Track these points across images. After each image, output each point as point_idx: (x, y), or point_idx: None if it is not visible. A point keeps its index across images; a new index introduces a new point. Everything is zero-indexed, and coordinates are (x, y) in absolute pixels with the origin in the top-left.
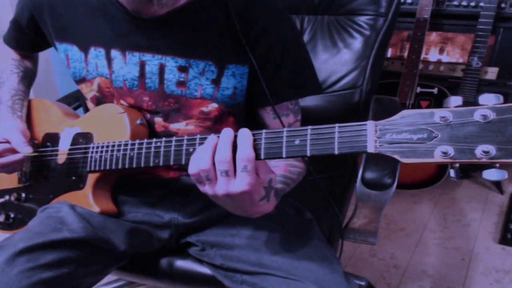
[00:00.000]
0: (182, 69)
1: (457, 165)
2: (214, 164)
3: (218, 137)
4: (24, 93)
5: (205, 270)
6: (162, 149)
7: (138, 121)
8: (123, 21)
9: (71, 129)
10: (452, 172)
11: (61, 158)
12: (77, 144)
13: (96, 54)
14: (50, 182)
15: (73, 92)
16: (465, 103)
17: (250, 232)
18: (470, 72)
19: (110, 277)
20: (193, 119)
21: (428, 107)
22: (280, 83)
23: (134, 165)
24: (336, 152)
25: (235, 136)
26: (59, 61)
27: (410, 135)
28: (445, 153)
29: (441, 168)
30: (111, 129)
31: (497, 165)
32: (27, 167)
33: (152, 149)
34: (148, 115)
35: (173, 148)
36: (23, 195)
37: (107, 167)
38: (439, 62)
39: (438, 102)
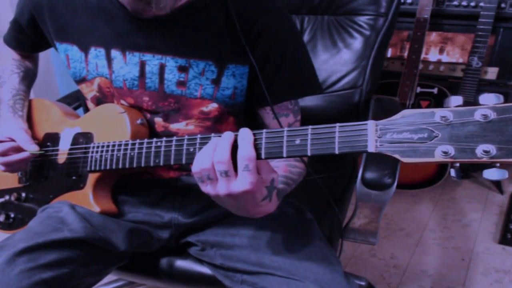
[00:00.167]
0: (182, 69)
1: (458, 164)
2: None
3: None
4: (25, 93)
5: (205, 270)
6: (162, 149)
7: (139, 121)
8: (123, 21)
9: (71, 129)
10: (452, 172)
11: (61, 158)
12: (78, 144)
13: (96, 54)
14: (50, 182)
15: (73, 92)
16: (465, 103)
17: (250, 232)
18: (470, 72)
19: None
20: (193, 119)
21: (428, 107)
22: (279, 83)
23: (135, 165)
24: (336, 151)
25: (236, 136)
26: (59, 61)
27: (411, 135)
28: (445, 153)
29: (441, 168)
30: (111, 129)
31: (498, 164)
32: (27, 167)
33: (153, 149)
34: (148, 115)
35: (173, 148)
36: (23, 195)
37: (108, 167)
38: (439, 62)
39: (438, 102)
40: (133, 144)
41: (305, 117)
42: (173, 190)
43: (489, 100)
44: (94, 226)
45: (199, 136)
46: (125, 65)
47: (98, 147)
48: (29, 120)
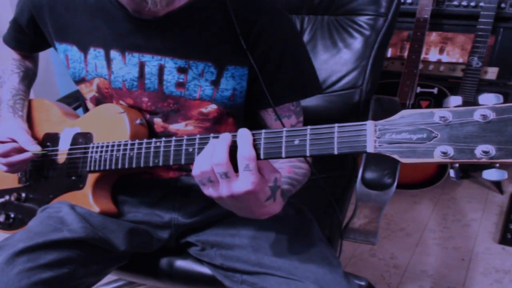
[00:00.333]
0: (181, 70)
1: (457, 165)
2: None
3: None
4: (25, 93)
5: (205, 270)
6: (161, 149)
7: (138, 121)
8: (123, 22)
9: (71, 129)
10: (452, 172)
11: (61, 158)
12: (77, 144)
13: (96, 54)
14: (50, 182)
15: (73, 92)
16: (465, 103)
17: (250, 232)
18: (470, 72)
19: (110, 277)
20: (192, 120)
21: (428, 107)
22: (280, 84)
23: (134, 165)
24: (335, 152)
25: (234, 137)
26: (59, 61)
27: (410, 135)
28: (444, 153)
29: (441, 168)
30: (111, 129)
31: (497, 165)
32: (27, 167)
33: (152, 149)
34: (148, 116)
35: (172, 148)
36: (23, 195)
37: (107, 167)
38: (439, 62)
39: (438, 102)
40: (132, 144)
41: (305, 117)
42: (173, 190)
43: (489, 100)
44: (94, 226)
45: (198, 136)
46: (125, 66)
47: (97, 147)
48: (29, 120)
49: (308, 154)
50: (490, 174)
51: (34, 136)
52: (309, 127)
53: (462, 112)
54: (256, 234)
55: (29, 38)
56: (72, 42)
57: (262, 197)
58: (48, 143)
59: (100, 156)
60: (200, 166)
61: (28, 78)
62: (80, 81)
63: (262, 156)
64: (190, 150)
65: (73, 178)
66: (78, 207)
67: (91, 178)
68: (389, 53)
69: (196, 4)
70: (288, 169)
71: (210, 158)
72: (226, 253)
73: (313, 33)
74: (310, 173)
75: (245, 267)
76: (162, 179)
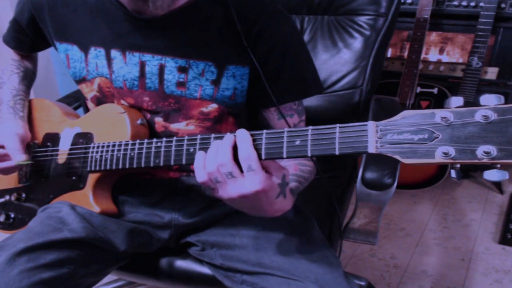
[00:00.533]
0: (182, 69)
1: (458, 165)
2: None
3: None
4: (25, 93)
5: (205, 270)
6: (162, 149)
7: (139, 121)
8: (123, 21)
9: (71, 129)
10: (453, 173)
11: (61, 158)
12: (78, 144)
13: (96, 54)
14: (51, 182)
15: (73, 92)
16: (465, 103)
17: (250, 232)
18: (470, 72)
19: (110, 277)
20: (193, 119)
21: (428, 107)
22: (282, 83)
23: (135, 165)
24: (337, 152)
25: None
26: (59, 61)
27: (411, 136)
28: (446, 154)
29: (441, 168)
30: (111, 129)
31: (498, 165)
32: (27, 167)
33: (153, 149)
34: (148, 115)
35: (173, 148)
36: (24, 195)
37: (108, 167)
38: (439, 62)
39: (438, 102)
40: (133, 144)
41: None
42: (173, 190)
43: (490, 101)
44: (94, 226)
45: (199, 136)
46: (125, 65)
47: (98, 147)
48: (29, 120)
49: (309, 154)
50: (491, 175)
51: (34, 136)
52: (310, 127)
53: (464, 112)
54: (256, 234)
55: (29, 38)
56: (73, 42)
57: (272, 194)
58: (49, 143)
59: (101, 156)
60: (207, 168)
61: (28, 78)
62: (81, 80)
63: (263, 156)
64: (191, 150)
65: (74, 178)
66: (79, 207)
67: (91, 178)
68: (389, 53)
69: (197, 4)
70: (294, 167)
71: (215, 159)
72: (226, 253)
73: (313, 33)
74: (315, 170)
75: (245, 267)
76: (163, 179)
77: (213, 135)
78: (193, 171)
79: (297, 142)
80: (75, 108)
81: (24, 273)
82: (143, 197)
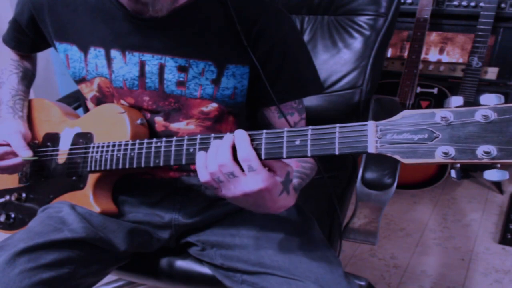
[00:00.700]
0: (182, 69)
1: (458, 165)
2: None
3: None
4: (25, 93)
5: (205, 270)
6: (162, 149)
7: (139, 121)
8: (123, 21)
9: (71, 129)
10: (453, 172)
11: (61, 158)
12: (77, 144)
13: (96, 54)
14: (51, 182)
15: (73, 92)
16: (465, 103)
17: (250, 232)
18: (470, 72)
19: (110, 277)
20: (193, 118)
21: (428, 107)
22: (282, 82)
23: (135, 165)
24: (337, 152)
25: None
26: (59, 61)
27: (411, 136)
28: (446, 154)
29: (441, 168)
30: (111, 129)
31: (498, 165)
32: (28, 167)
33: (153, 149)
34: (149, 115)
35: (173, 148)
36: (24, 195)
37: (108, 167)
38: (439, 62)
39: (438, 102)
40: (133, 144)
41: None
42: (173, 190)
43: (490, 100)
44: (94, 226)
45: (199, 136)
46: (125, 65)
47: (98, 147)
48: (29, 120)
49: (309, 154)
50: (491, 175)
51: (34, 136)
52: (310, 127)
53: (464, 112)
54: (256, 234)
55: (28, 38)
56: (72, 42)
57: (275, 192)
58: (49, 143)
59: (101, 156)
60: (208, 168)
61: (27, 78)
62: (80, 80)
63: (263, 157)
64: (191, 150)
65: (74, 178)
66: (79, 207)
67: (91, 178)
68: (389, 53)
69: (196, 3)
70: (295, 164)
71: (215, 159)
72: (226, 253)
73: (313, 33)
74: (316, 167)
75: (246, 267)
76: (163, 179)
77: (213, 135)
78: (193, 171)
79: (297, 142)
80: (75, 108)
81: (25, 273)
82: (143, 197)
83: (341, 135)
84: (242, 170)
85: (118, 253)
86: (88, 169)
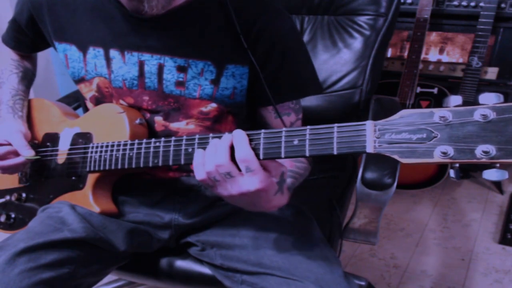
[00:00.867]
0: (181, 69)
1: (457, 165)
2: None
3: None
4: (24, 93)
5: (205, 270)
6: (161, 149)
7: (137, 121)
8: (122, 21)
9: (70, 129)
10: (452, 172)
11: (61, 158)
12: (77, 144)
13: (95, 54)
14: (50, 182)
15: (73, 92)
16: (465, 103)
17: (250, 232)
18: (470, 72)
19: (110, 277)
20: (192, 118)
21: (428, 107)
22: (281, 83)
23: (134, 165)
24: (335, 152)
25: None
26: (59, 61)
27: (410, 135)
28: (444, 153)
29: (441, 168)
30: (110, 129)
31: (497, 165)
32: (28, 167)
33: (151, 149)
34: (148, 115)
35: (172, 148)
36: (24, 195)
37: (107, 167)
38: (439, 62)
39: (438, 102)
40: (132, 144)
41: (305, 117)
42: (173, 190)
43: (489, 99)
44: (94, 226)
45: (197, 136)
46: (124, 65)
47: (97, 147)
48: (29, 120)
49: (307, 154)
50: (490, 174)
51: (34, 136)
52: (308, 127)
53: (462, 112)
54: (256, 234)
55: (28, 38)
56: (72, 42)
57: (271, 192)
58: (48, 143)
59: (100, 156)
60: (206, 167)
61: (27, 78)
62: (79, 80)
63: (261, 156)
64: (190, 150)
65: (73, 178)
66: (79, 207)
67: (91, 178)
68: (389, 53)
69: (196, 3)
70: (289, 163)
71: (213, 159)
72: (226, 253)
73: (313, 33)
74: (311, 168)
75: (245, 267)
76: (163, 179)
77: (211, 135)
78: (192, 171)
79: (295, 142)
80: (75, 108)
81: (25, 273)
82: (143, 197)
83: (339, 135)
84: (240, 170)
85: (118, 253)
86: (88, 169)
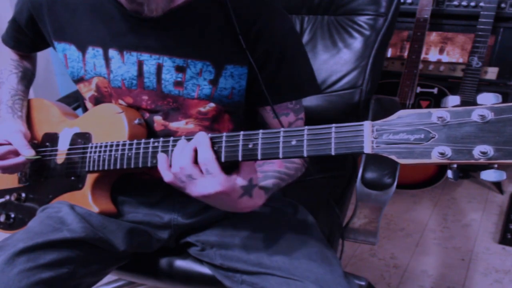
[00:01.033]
0: (180, 69)
1: (455, 165)
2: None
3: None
4: (24, 93)
5: (205, 270)
6: (160, 149)
7: (136, 121)
8: (121, 21)
9: (70, 129)
10: (449, 173)
11: (60, 158)
12: (76, 144)
13: (94, 53)
14: (50, 182)
15: (72, 92)
16: (465, 103)
17: (250, 232)
18: (470, 72)
19: (110, 277)
20: (192, 118)
21: (428, 107)
22: (279, 83)
23: (132, 165)
24: (332, 152)
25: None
26: (59, 61)
27: (407, 136)
28: (442, 154)
29: (441, 168)
30: (109, 129)
31: (495, 165)
32: (27, 167)
33: (150, 149)
34: (147, 114)
35: (170, 148)
36: (23, 195)
37: (106, 167)
38: (439, 62)
39: (438, 102)
40: (131, 144)
41: (305, 117)
42: (172, 190)
43: (487, 99)
44: (94, 226)
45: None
46: (123, 65)
47: (96, 147)
48: (28, 120)
49: (305, 154)
50: (488, 175)
51: (33, 136)
52: (306, 127)
53: (460, 112)
54: (256, 234)
55: (28, 38)
56: (71, 41)
57: (234, 195)
58: (47, 143)
59: (99, 156)
60: (172, 168)
61: (27, 78)
62: (78, 80)
63: (259, 157)
64: None
65: (72, 178)
66: (78, 207)
67: (90, 178)
68: (389, 53)
69: (195, 3)
70: (279, 164)
71: (178, 161)
72: (226, 253)
73: (313, 33)
74: (304, 168)
75: (245, 267)
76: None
77: (183, 137)
78: None
79: (293, 142)
80: (75, 108)
81: (24, 273)
82: (143, 197)
83: (337, 135)
84: (202, 172)
85: (118, 253)
86: (87, 169)
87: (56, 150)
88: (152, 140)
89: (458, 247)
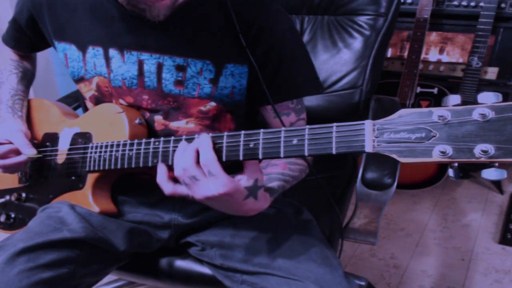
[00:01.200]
0: (180, 68)
1: (456, 164)
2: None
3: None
4: (24, 93)
5: (205, 270)
6: (160, 149)
7: (137, 121)
8: (121, 20)
9: (70, 129)
10: (450, 172)
11: (60, 158)
12: (76, 144)
13: (94, 53)
14: (50, 182)
15: (73, 92)
16: (465, 103)
17: (250, 232)
18: (470, 72)
19: (110, 277)
20: (192, 117)
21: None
22: (280, 82)
23: (133, 165)
24: (334, 151)
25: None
26: (59, 61)
27: (408, 134)
28: (443, 153)
29: (441, 168)
30: (110, 128)
31: (496, 164)
32: (27, 167)
33: (151, 149)
34: (148, 114)
35: (171, 148)
36: (24, 195)
37: (106, 167)
38: (439, 62)
39: (438, 102)
40: (131, 144)
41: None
42: None
43: (488, 99)
44: (94, 226)
45: (196, 136)
46: (124, 64)
47: (96, 147)
48: (28, 120)
49: (306, 154)
50: (489, 174)
51: (33, 136)
52: (307, 126)
53: (461, 111)
54: (256, 234)
55: (28, 38)
56: (71, 41)
57: (239, 197)
58: (48, 143)
59: (99, 156)
60: (175, 171)
61: (27, 78)
62: (79, 80)
63: (260, 156)
64: None
65: (73, 178)
66: (78, 207)
67: (90, 178)
68: (389, 53)
69: (195, 2)
70: (283, 166)
71: (180, 162)
72: (226, 253)
73: (313, 33)
74: (308, 169)
75: (245, 267)
76: None
77: (183, 137)
78: None
79: (294, 142)
80: (75, 108)
81: (24, 273)
82: (143, 197)
83: (338, 134)
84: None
85: (118, 253)
86: (87, 169)
87: (57, 150)
88: (152, 139)
89: (458, 247)
